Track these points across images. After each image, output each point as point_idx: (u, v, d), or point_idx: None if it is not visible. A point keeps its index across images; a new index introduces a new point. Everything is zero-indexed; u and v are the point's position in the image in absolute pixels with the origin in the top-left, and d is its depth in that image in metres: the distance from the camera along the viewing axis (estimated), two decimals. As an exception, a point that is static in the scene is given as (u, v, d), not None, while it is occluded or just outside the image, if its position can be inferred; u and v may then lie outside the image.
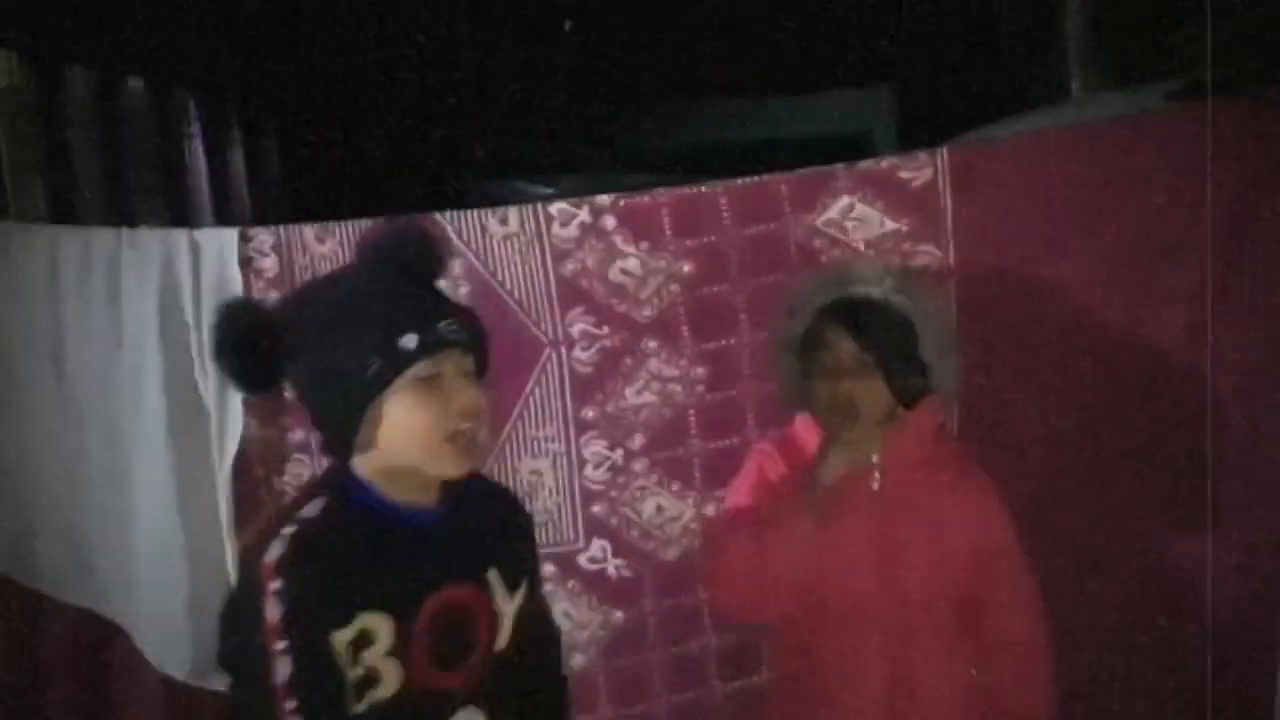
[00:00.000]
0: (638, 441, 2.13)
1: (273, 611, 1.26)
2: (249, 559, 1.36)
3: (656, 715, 2.13)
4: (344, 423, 1.34)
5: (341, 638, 1.28)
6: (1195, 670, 2.01)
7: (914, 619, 1.75)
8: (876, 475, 1.76)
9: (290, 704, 1.25)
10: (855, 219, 2.04)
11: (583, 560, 2.14)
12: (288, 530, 1.31)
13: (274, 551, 1.28)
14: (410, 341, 1.31)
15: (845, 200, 2.04)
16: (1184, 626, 2.05)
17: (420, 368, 1.31)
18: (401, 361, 1.31)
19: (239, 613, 1.32)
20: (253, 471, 2.17)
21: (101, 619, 2.27)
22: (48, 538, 2.29)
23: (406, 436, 1.33)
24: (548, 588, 2.11)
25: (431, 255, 1.45)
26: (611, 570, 2.13)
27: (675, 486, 2.13)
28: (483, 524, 1.45)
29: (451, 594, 1.38)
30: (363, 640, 1.30)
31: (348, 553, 1.31)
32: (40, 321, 2.22)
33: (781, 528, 1.70)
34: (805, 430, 1.81)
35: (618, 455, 2.13)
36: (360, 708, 1.30)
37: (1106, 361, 2.04)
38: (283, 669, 1.26)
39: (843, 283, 1.77)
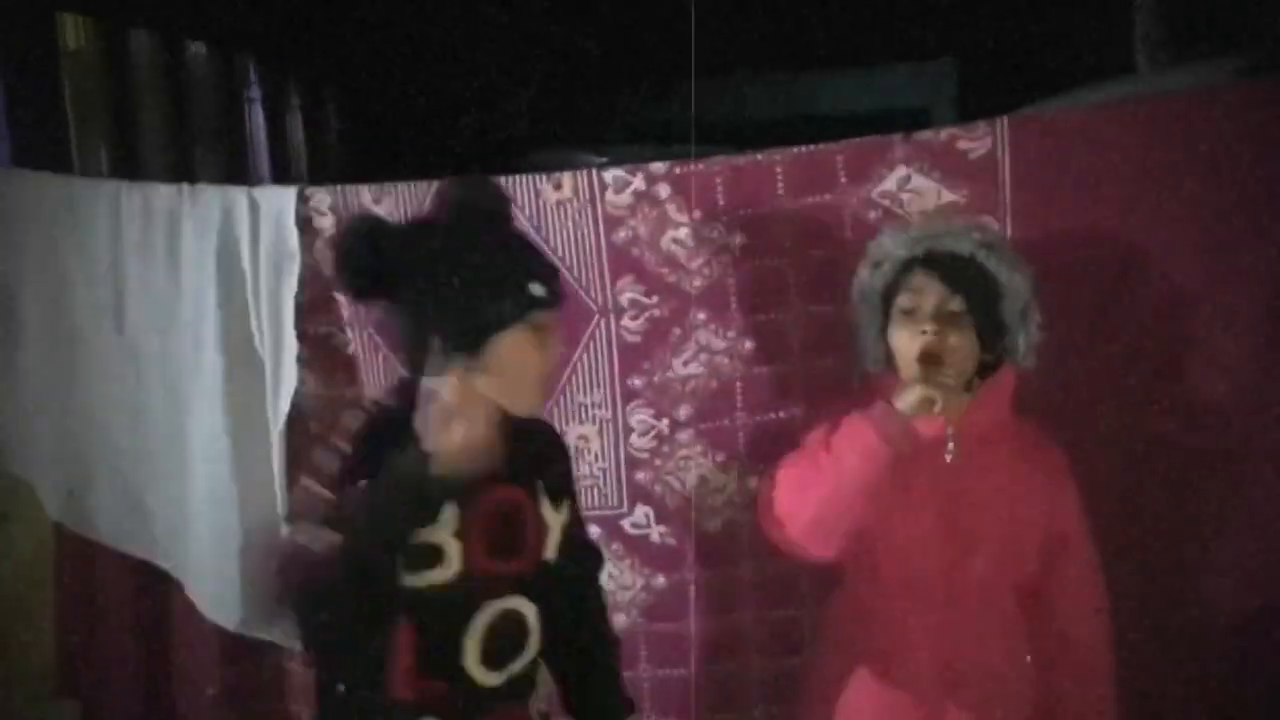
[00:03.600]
0: (684, 412, 2.12)
1: (332, 463, 1.49)
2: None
3: (694, 681, 2.14)
4: (460, 348, 1.50)
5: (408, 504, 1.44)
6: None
7: (973, 598, 1.73)
8: (950, 446, 1.72)
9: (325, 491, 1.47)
10: (912, 190, 2.00)
11: (626, 525, 2.15)
12: (370, 406, 1.55)
13: (353, 421, 1.53)
14: (538, 289, 1.51)
15: (902, 171, 2.00)
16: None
17: (538, 315, 1.51)
18: (528, 305, 1.50)
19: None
20: (306, 427, 2.20)
21: (155, 569, 2.32)
22: (104, 488, 2.34)
23: (512, 369, 1.51)
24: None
25: (499, 201, 1.62)
26: (655, 536, 2.14)
27: (720, 458, 2.13)
28: (525, 443, 1.62)
29: (504, 493, 1.56)
30: (429, 514, 1.47)
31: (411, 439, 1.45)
32: (102, 275, 2.26)
33: (856, 450, 1.65)
34: (882, 389, 1.76)
35: (663, 425, 2.13)
36: (420, 582, 1.48)
37: (1169, 343, 1.99)
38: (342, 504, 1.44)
39: (930, 237, 1.74)
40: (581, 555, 1.74)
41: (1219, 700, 2.04)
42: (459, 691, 1.52)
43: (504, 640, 1.55)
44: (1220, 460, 2.00)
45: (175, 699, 2.39)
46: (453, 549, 1.50)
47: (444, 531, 1.49)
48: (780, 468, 1.77)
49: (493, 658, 1.54)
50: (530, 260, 1.56)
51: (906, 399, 1.65)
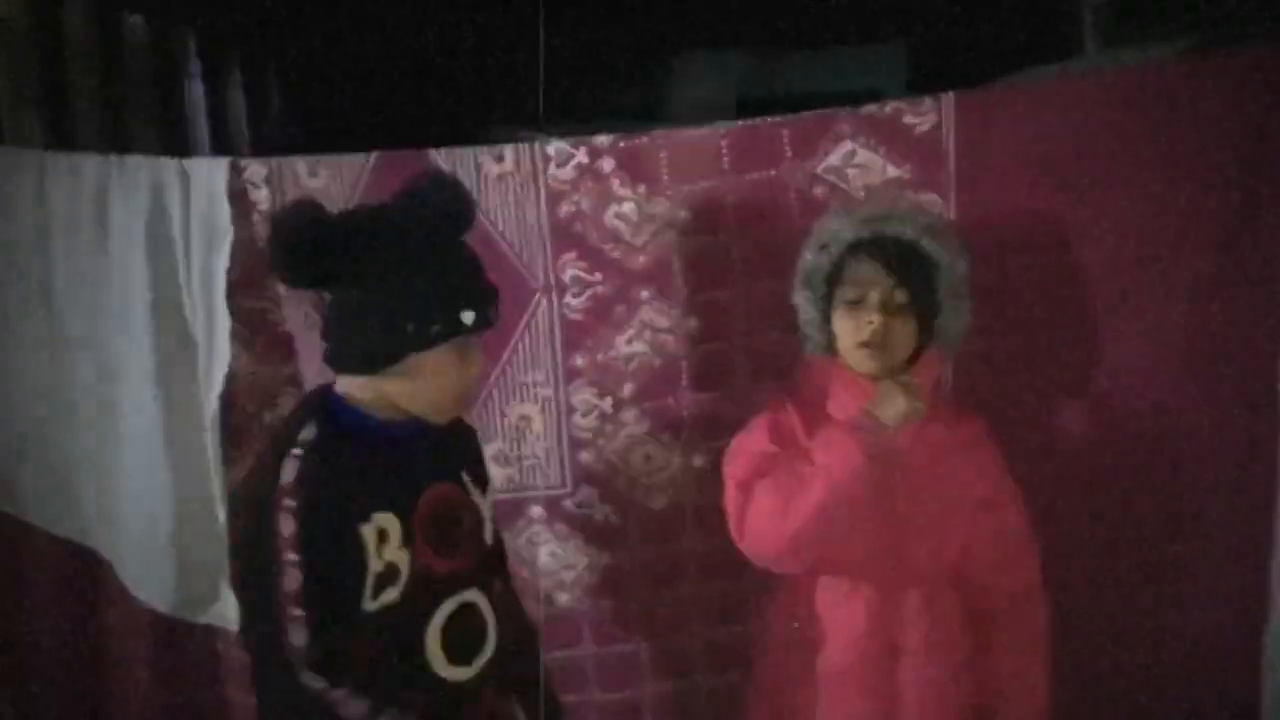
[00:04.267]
0: (627, 390, 2.10)
1: (286, 527, 1.41)
2: (255, 486, 1.52)
3: (638, 657, 2.13)
4: (380, 356, 1.51)
5: (367, 531, 1.45)
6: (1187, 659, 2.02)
7: (912, 575, 1.74)
8: (895, 435, 1.70)
9: (295, 612, 1.40)
10: (857, 165, 1.99)
11: (569, 504, 2.13)
12: (295, 452, 1.47)
13: (288, 474, 1.45)
14: (469, 318, 1.51)
15: (847, 146, 1.99)
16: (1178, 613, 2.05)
17: (465, 339, 1.53)
18: (458, 330, 1.51)
19: (252, 537, 1.46)
20: (241, 406, 2.15)
21: (86, 550, 2.26)
22: (34, 467, 2.28)
23: (432, 386, 1.53)
24: (535, 529, 2.11)
25: (466, 209, 1.61)
26: (599, 515, 2.12)
27: (664, 437, 2.11)
28: (445, 434, 1.63)
29: (438, 490, 1.57)
30: (380, 537, 1.47)
31: (350, 464, 1.48)
32: (28, 248, 2.18)
33: (840, 467, 1.65)
34: (820, 374, 1.78)
35: (607, 404, 2.11)
36: (374, 605, 1.46)
37: (1105, 320, 2.00)
38: (292, 581, 1.41)
39: (874, 220, 1.74)
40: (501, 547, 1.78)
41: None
42: (431, 696, 1.50)
43: (464, 634, 1.54)
44: (1154, 441, 2.03)
45: (108, 683, 2.33)
46: (403, 560, 1.49)
47: (393, 546, 1.48)
48: (753, 481, 1.73)
49: (457, 653, 1.53)
50: (470, 285, 1.55)
51: (889, 409, 1.66)
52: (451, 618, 1.53)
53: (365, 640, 1.46)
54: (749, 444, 1.79)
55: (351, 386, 1.56)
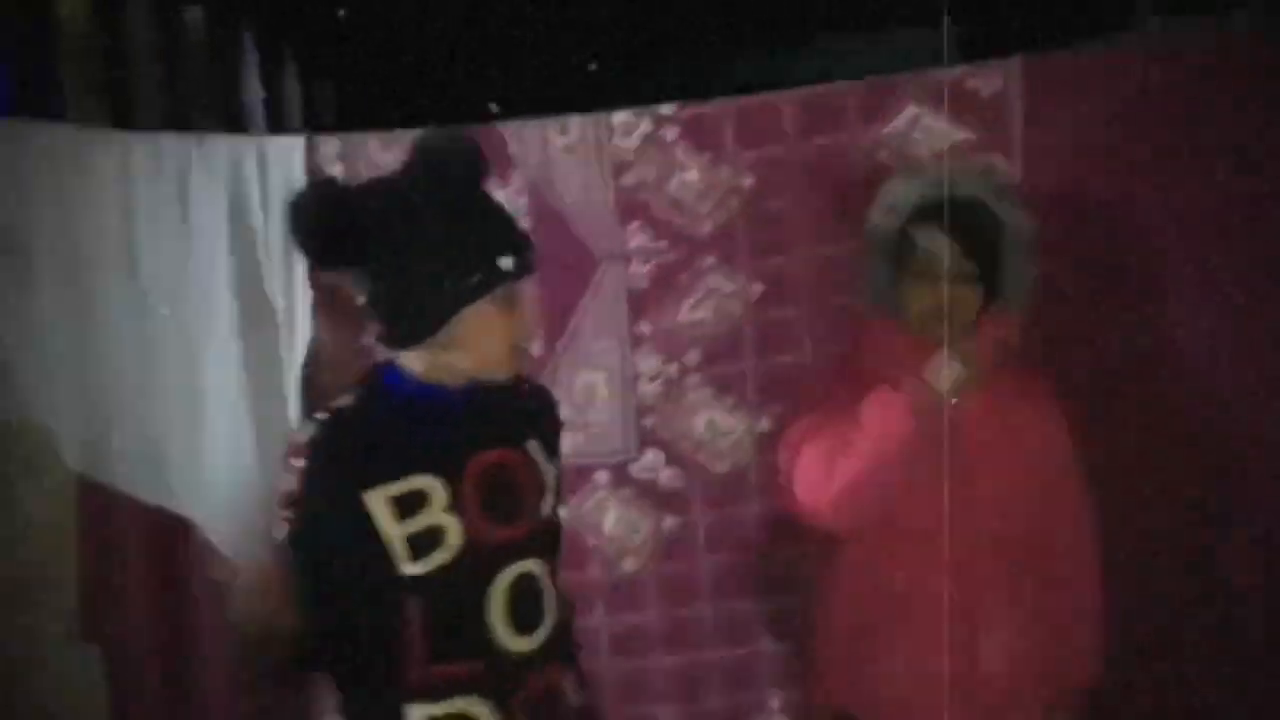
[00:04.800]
0: (692, 357, 2.13)
1: (286, 484, 1.44)
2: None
3: (702, 620, 2.17)
4: (427, 322, 1.47)
5: (381, 494, 1.43)
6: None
7: (983, 544, 1.74)
8: (955, 396, 1.71)
9: (286, 562, 1.43)
10: (922, 130, 2.00)
11: (635, 470, 2.17)
12: (319, 416, 1.49)
13: (303, 434, 1.48)
14: (507, 264, 1.45)
15: (912, 111, 2.00)
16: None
17: (507, 288, 1.46)
18: (497, 279, 1.45)
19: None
20: (320, 375, 2.22)
21: (175, 515, 2.35)
22: (121, 437, 2.35)
23: (482, 344, 1.48)
24: (601, 495, 2.15)
25: (478, 161, 1.53)
26: (663, 480, 2.15)
27: (728, 402, 2.14)
28: (511, 400, 1.58)
29: (492, 455, 1.52)
30: (416, 500, 1.44)
31: (382, 425, 1.47)
32: (113, 226, 2.26)
33: (889, 427, 1.66)
34: (884, 337, 1.79)
35: (672, 370, 2.14)
36: (419, 568, 1.44)
37: (1171, 287, 1.98)
38: (279, 532, 1.45)
39: (940, 182, 1.73)
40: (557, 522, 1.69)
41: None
42: (493, 664, 1.48)
43: (526, 604, 1.51)
44: (1214, 411, 2.01)
45: (195, 640, 2.42)
46: (450, 525, 1.46)
47: (435, 511, 1.46)
48: (805, 442, 1.75)
49: (520, 623, 1.50)
50: (501, 230, 1.49)
51: (944, 377, 1.66)
52: (512, 586, 1.49)
53: (411, 608, 1.45)
54: (806, 407, 1.81)
55: (410, 360, 1.52)
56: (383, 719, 1.48)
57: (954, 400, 1.68)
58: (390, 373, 1.54)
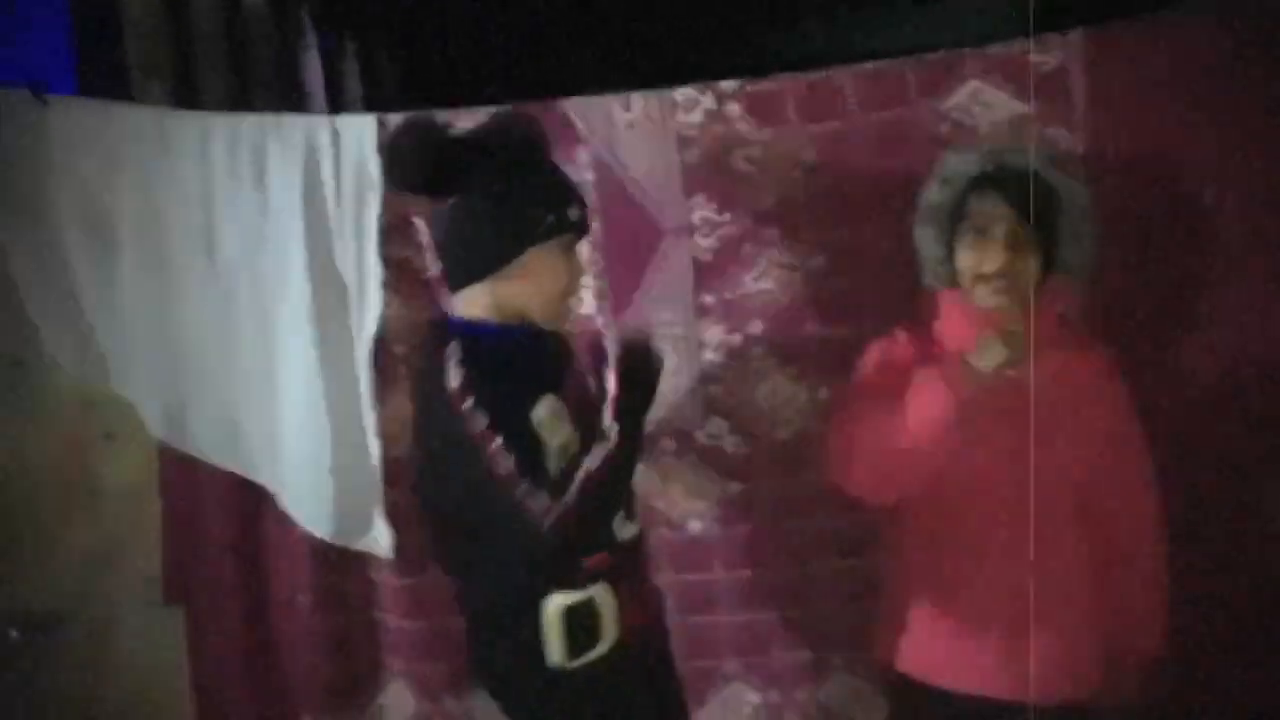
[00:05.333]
0: (755, 327, 2.18)
1: (478, 423, 1.58)
2: (427, 414, 1.75)
3: (766, 580, 2.23)
4: (500, 255, 1.67)
5: (536, 414, 1.62)
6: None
7: (1044, 511, 1.75)
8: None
9: (522, 485, 1.56)
10: (983, 103, 2.02)
11: (700, 436, 2.22)
12: (452, 363, 1.63)
13: (453, 381, 1.61)
14: (575, 214, 1.68)
15: (973, 84, 2.02)
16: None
17: (570, 238, 1.69)
18: (564, 226, 1.68)
19: (443, 451, 1.66)
20: (390, 348, 2.29)
21: (251, 483, 2.44)
22: (200, 408, 2.44)
23: (546, 282, 1.69)
24: (667, 461, 2.21)
25: (541, 132, 1.76)
26: (728, 446, 2.21)
27: (791, 371, 2.18)
28: (559, 349, 1.81)
29: (575, 378, 1.77)
30: (554, 417, 1.64)
31: (499, 360, 1.65)
32: (193, 204, 2.33)
33: (927, 409, 1.70)
34: (942, 308, 1.82)
35: (735, 340, 2.19)
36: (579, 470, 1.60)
37: (1234, 258, 1.99)
38: (504, 464, 1.57)
39: (996, 153, 1.78)
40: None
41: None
42: (615, 555, 1.69)
43: (631, 496, 1.75)
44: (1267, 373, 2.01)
45: (271, 605, 2.51)
46: (573, 440, 1.65)
47: (564, 426, 1.66)
48: (848, 421, 1.80)
49: (630, 509, 1.74)
50: (569, 187, 1.73)
51: (986, 358, 1.67)
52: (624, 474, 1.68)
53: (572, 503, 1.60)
54: (855, 379, 1.86)
55: (468, 304, 1.72)
56: (522, 612, 1.66)
57: (999, 378, 1.69)
58: (454, 322, 1.73)
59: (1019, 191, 1.72)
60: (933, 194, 1.83)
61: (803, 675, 2.26)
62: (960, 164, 1.80)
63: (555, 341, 1.79)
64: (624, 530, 1.73)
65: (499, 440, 1.57)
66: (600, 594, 1.67)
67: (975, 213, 1.75)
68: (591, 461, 1.59)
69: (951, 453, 1.72)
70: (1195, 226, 2.01)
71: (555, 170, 1.76)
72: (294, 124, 2.28)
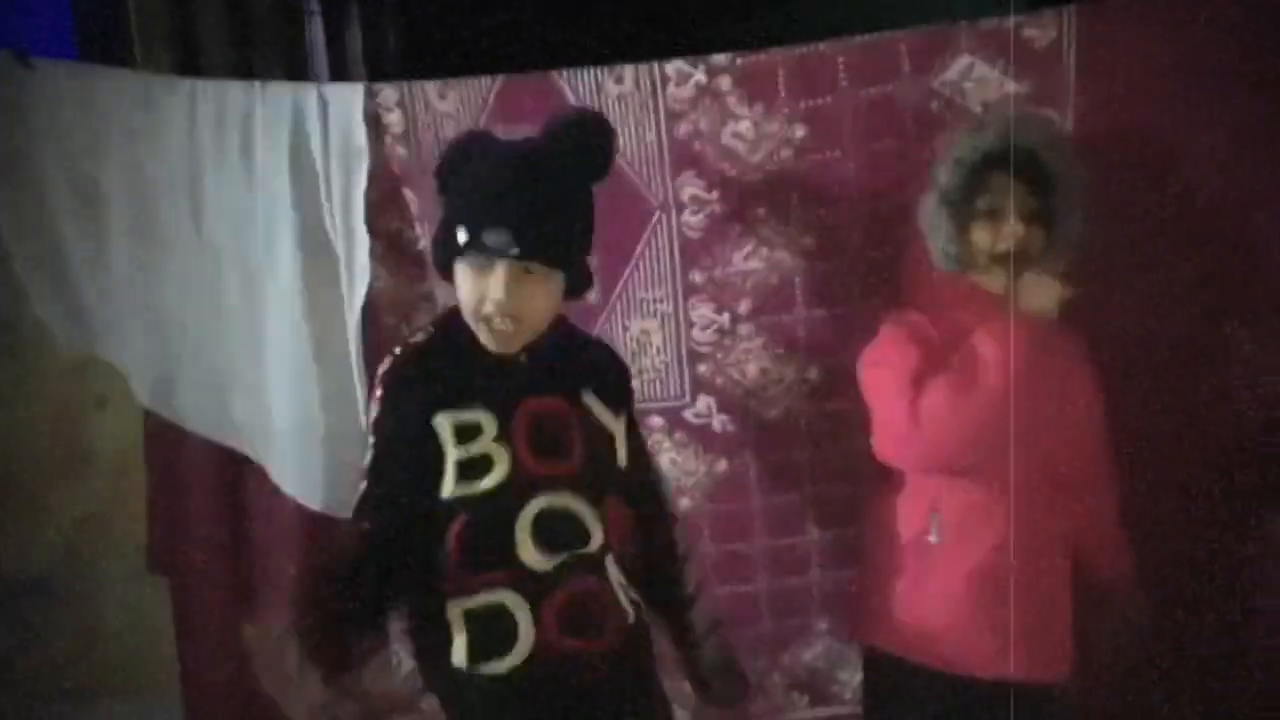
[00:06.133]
0: (744, 306, 2.17)
1: (373, 412, 1.65)
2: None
3: (755, 554, 2.24)
4: (436, 259, 1.70)
5: (447, 421, 1.61)
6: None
7: (1033, 478, 1.80)
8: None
9: (362, 484, 1.63)
10: (974, 80, 2.00)
11: (689, 415, 2.22)
12: (395, 350, 1.69)
13: (383, 367, 1.68)
14: (461, 234, 1.60)
15: (965, 60, 2.00)
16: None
17: (470, 258, 1.61)
18: (458, 249, 1.62)
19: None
20: (381, 320, 2.28)
21: (240, 454, 2.44)
22: (188, 378, 2.44)
23: (464, 296, 1.65)
24: (656, 438, 2.21)
25: (608, 151, 1.69)
26: (716, 425, 2.21)
27: (779, 351, 2.18)
28: (573, 357, 1.74)
29: (543, 402, 1.67)
30: (472, 431, 1.61)
31: (445, 362, 1.65)
32: (179, 172, 2.32)
33: (1005, 364, 1.72)
34: (950, 289, 1.84)
35: (724, 319, 2.18)
36: (462, 491, 1.61)
37: (1226, 241, 1.98)
38: (366, 456, 1.64)
39: (1003, 133, 1.79)
40: (646, 473, 1.85)
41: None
42: (519, 575, 1.62)
43: (556, 531, 1.63)
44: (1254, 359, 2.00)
45: (258, 575, 2.52)
46: (500, 455, 1.62)
47: (486, 440, 1.62)
48: (926, 379, 1.77)
49: (545, 545, 1.62)
50: (483, 206, 1.61)
51: (1044, 298, 1.74)
52: (542, 514, 1.62)
53: (457, 519, 1.60)
54: (891, 352, 1.84)
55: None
56: (430, 615, 1.65)
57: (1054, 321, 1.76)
58: (457, 320, 1.69)
59: (1030, 170, 1.76)
60: (944, 177, 1.83)
61: (788, 641, 2.29)
62: (971, 144, 1.82)
63: (559, 358, 1.72)
64: (534, 559, 1.62)
65: (373, 437, 1.62)
66: (504, 599, 1.61)
67: (986, 191, 1.79)
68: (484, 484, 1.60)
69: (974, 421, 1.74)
70: (1186, 206, 1.99)
71: (488, 184, 1.62)
72: (281, 92, 2.25)
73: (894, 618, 1.89)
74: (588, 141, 1.66)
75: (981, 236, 1.80)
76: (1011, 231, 1.77)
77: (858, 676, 2.22)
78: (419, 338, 1.71)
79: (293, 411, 2.30)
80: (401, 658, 2.46)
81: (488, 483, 1.60)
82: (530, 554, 1.61)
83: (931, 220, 1.85)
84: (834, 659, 2.29)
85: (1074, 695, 1.90)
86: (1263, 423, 2.01)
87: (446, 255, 1.65)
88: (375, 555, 1.57)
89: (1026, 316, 1.75)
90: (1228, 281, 2.00)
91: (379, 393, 1.66)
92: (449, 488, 1.60)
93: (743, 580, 2.25)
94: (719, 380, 2.20)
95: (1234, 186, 1.94)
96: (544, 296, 1.64)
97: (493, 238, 1.57)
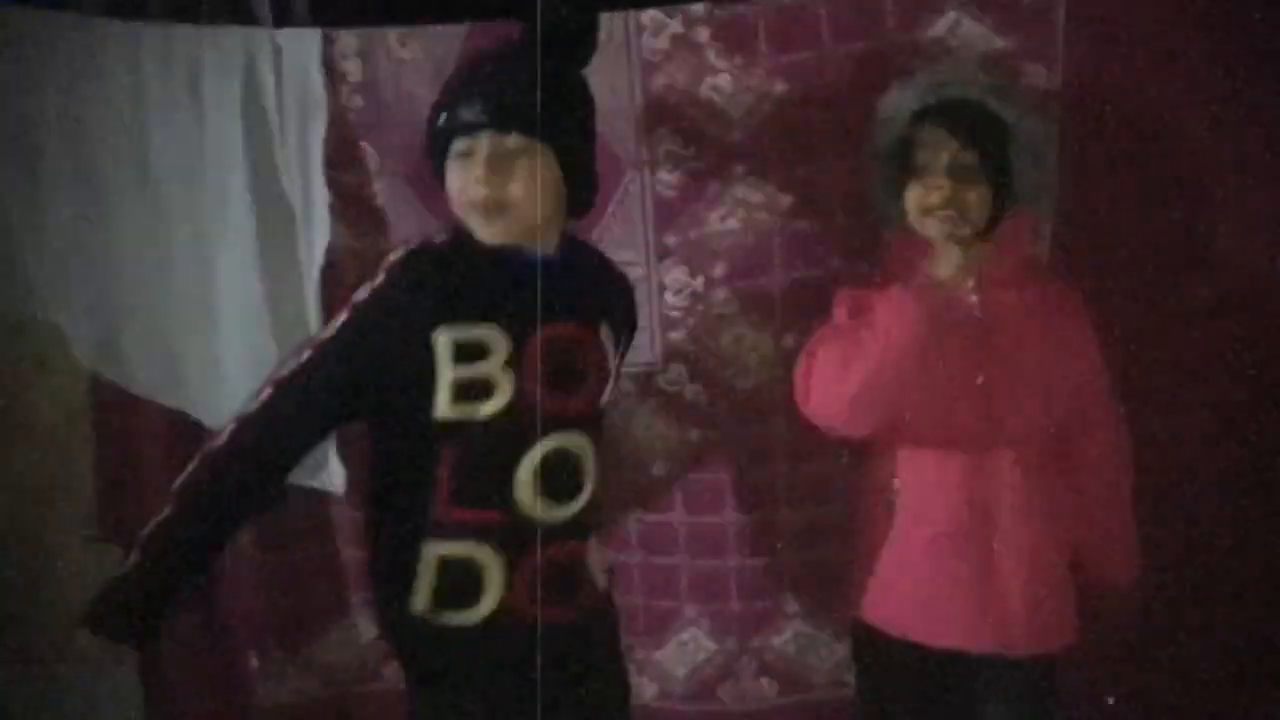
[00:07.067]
0: (719, 270, 2.09)
1: (360, 295, 1.55)
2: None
3: (725, 527, 2.17)
4: (430, 159, 1.60)
5: (452, 336, 1.49)
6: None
7: (1004, 448, 1.75)
8: (974, 299, 1.74)
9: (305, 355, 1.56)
10: (961, 36, 1.93)
11: (661, 381, 2.15)
12: (411, 244, 1.59)
13: (394, 255, 1.58)
14: (441, 119, 1.54)
15: (952, 15, 1.93)
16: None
17: (455, 148, 1.54)
18: (445, 136, 1.55)
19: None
20: (342, 279, 2.17)
21: (190, 420, 2.34)
22: (134, 338, 2.32)
23: (453, 193, 1.56)
24: (628, 403, 2.14)
25: (592, 39, 1.63)
26: (689, 394, 2.14)
27: (754, 317, 2.11)
28: (594, 281, 1.66)
29: (563, 328, 1.56)
30: (478, 350, 1.50)
31: (461, 269, 1.54)
32: (123, 122, 2.19)
33: (896, 322, 1.68)
34: (901, 248, 1.79)
35: (698, 283, 2.10)
36: (466, 414, 1.50)
37: (1217, 197, 1.94)
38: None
39: (938, 86, 1.73)
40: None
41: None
42: (510, 522, 1.52)
43: (561, 475, 1.55)
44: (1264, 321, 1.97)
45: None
46: (504, 381, 1.51)
47: (494, 364, 1.50)
48: (817, 347, 1.77)
49: (550, 492, 1.54)
50: (466, 88, 1.58)
51: (944, 263, 1.69)
52: (550, 456, 1.53)
53: (446, 449, 1.51)
54: (824, 324, 1.82)
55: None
56: (402, 551, 1.54)
57: (964, 289, 1.71)
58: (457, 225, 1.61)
59: (962, 122, 1.70)
60: (877, 133, 1.80)
61: (760, 623, 2.24)
62: (901, 100, 1.77)
63: (579, 281, 1.62)
64: (534, 505, 1.54)
65: (348, 314, 1.55)
66: (479, 554, 1.52)
67: (918, 146, 1.72)
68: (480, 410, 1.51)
69: (923, 385, 1.70)
70: (1176, 164, 1.95)
71: (483, 70, 1.58)
72: (232, 36, 2.14)
73: (872, 592, 1.86)
74: (565, 22, 1.59)
75: (913, 192, 1.73)
76: (938, 188, 1.70)
77: (829, 662, 2.20)
78: (439, 236, 1.60)
79: (248, 376, 2.20)
80: (363, 628, 2.42)
81: (485, 410, 1.50)
82: (528, 497, 1.52)
83: (868, 181, 1.81)
84: (804, 644, 2.23)
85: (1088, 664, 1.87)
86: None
87: (439, 160, 1.57)
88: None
89: (931, 282, 1.70)
90: (1216, 238, 1.96)
91: (380, 279, 1.54)
92: (442, 408, 1.50)
93: (716, 555, 2.19)
94: (691, 348, 2.13)
95: (1225, 144, 1.91)
96: (531, 178, 1.53)
97: (467, 111, 1.52)
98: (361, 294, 1.55)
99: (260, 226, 2.14)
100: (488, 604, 1.52)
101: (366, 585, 1.74)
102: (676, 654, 2.25)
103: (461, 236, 1.57)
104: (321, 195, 2.11)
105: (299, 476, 2.21)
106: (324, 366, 1.54)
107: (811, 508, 2.16)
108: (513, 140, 1.51)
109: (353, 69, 2.11)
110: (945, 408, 1.74)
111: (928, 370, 1.69)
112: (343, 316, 1.55)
